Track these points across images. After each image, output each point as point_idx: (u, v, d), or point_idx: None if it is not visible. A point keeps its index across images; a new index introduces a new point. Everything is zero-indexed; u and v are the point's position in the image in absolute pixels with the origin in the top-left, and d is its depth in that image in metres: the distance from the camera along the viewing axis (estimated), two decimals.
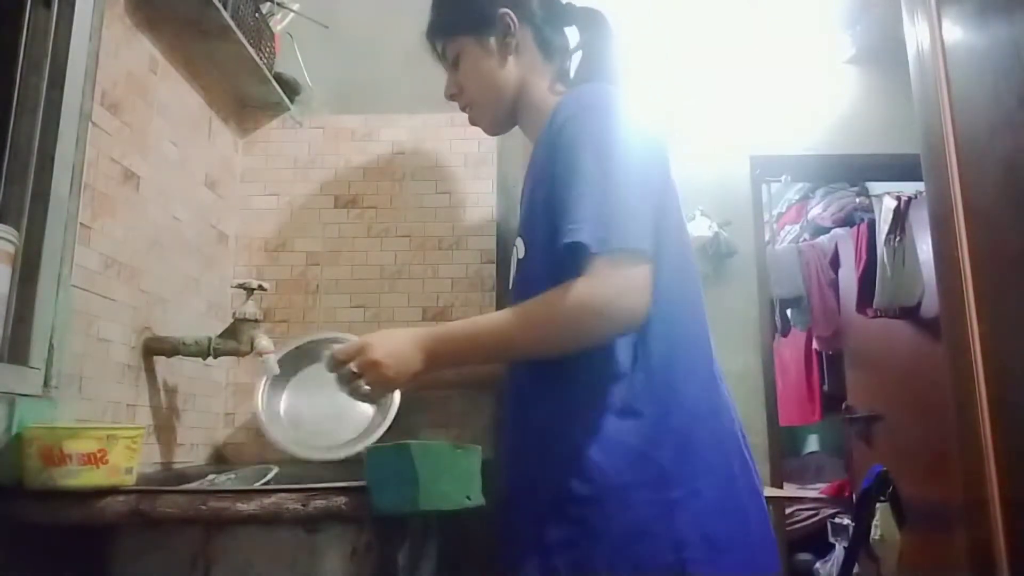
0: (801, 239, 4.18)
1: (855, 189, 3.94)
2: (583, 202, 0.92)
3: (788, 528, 3.29)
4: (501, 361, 1.15)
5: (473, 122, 1.25)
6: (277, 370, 1.37)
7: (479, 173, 1.76)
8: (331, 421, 1.43)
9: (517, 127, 1.25)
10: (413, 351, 0.98)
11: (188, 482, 1.21)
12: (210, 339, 1.32)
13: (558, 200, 0.96)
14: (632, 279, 0.92)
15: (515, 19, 1.15)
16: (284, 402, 1.48)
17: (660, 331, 0.97)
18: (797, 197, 4.28)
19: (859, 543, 2.71)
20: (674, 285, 1.01)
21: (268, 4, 1.66)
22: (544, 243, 1.00)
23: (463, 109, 1.24)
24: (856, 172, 3.08)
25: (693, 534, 0.89)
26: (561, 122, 1.00)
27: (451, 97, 1.24)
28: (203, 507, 0.87)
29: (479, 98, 1.21)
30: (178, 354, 1.33)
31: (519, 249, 1.10)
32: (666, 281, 0.98)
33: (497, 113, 1.21)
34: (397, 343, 0.98)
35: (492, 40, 1.16)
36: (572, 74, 1.23)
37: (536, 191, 1.06)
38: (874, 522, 2.68)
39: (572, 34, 1.23)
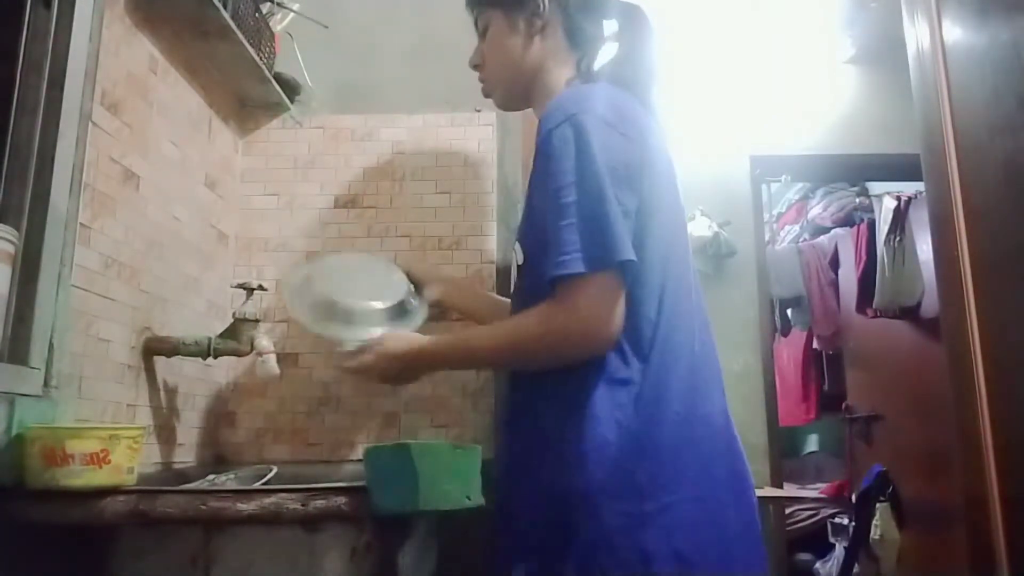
0: (801, 239, 4.18)
1: (855, 189, 3.94)
2: (560, 234, 0.93)
3: (788, 528, 3.29)
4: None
5: (486, 94, 1.26)
6: (277, 371, 1.37)
7: (479, 173, 1.76)
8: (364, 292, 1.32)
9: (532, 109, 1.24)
10: (411, 370, 1.15)
11: (188, 482, 1.21)
12: (210, 339, 1.32)
13: (547, 226, 0.97)
14: (595, 304, 0.92)
15: (546, 1, 1.15)
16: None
17: (647, 344, 0.97)
18: (797, 197, 4.27)
19: (859, 543, 2.71)
20: (662, 293, 1.00)
21: (268, 4, 1.66)
22: (538, 256, 1.00)
23: (481, 80, 1.25)
24: (856, 172, 3.08)
25: (663, 548, 0.89)
26: (547, 131, 1.00)
27: (474, 67, 1.25)
28: (203, 507, 0.87)
29: (495, 71, 1.21)
30: (178, 354, 1.33)
31: (517, 254, 1.10)
32: (652, 291, 0.98)
33: (510, 89, 1.21)
34: (401, 358, 1.12)
35: (520, 18, 1.16)
36: (599, 66, 1.20)
37: (531, 198, 1.07)
38: (874, 522, 2.68)
39: (610, 27, 1.20)
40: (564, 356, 0.97)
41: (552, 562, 0.91)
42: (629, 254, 0.92)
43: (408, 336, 1.16)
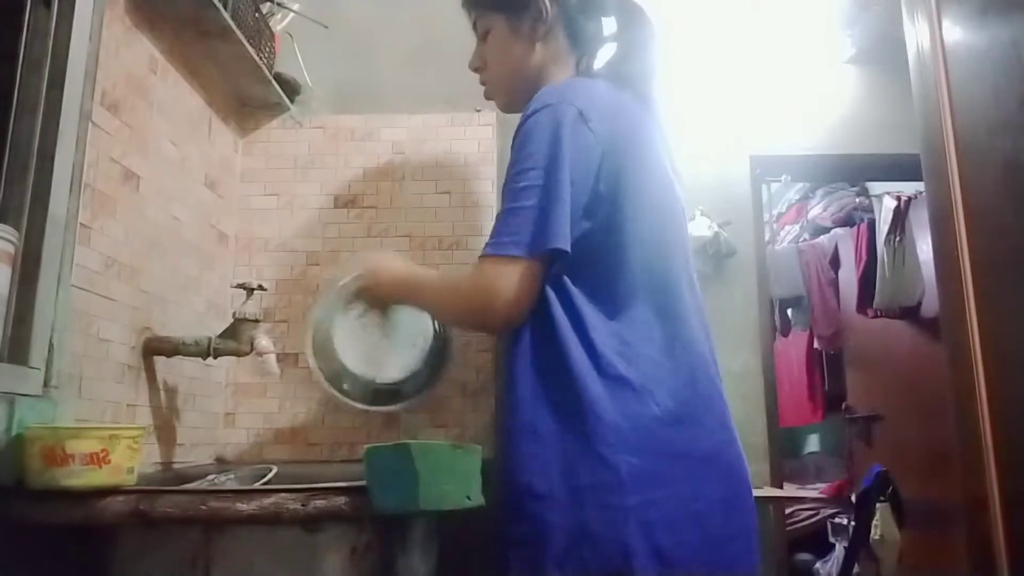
0: (801, 239, 4.18)
1: (855, 189, 3.94)
2: (506, 217, 1.01)
3: (788, 528, 3.28)
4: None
5: (488, 97, 1.25)
6: (277, 371, 1.37)
7: (479, 173, 1.76)
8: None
9: None
10: (386, 289, 1.26)
11: (188, 482, 1.21)
12: (210, 339, 1.32)
13: (502, 205, 1.05)
14: (494, 279, 0.99)
15: (548, 6, 1.14)
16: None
17: (637, 339, 0.97)
18: (797, 197, 4.27)
19: (859, 543, 2.71)
20: (652, 288, 1.00)
21: (268, 4, 1.66)
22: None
23: (482, 83, 1.24)
24: (856, 172, 3.07)
25: (643, 544, 0.88)
26: (523, 119, 1.03)
27: (475, 70, 1.24)
28: (203, 507, 0.87)
29: (498, 76, 1.21)
30: (178, 354, 1.33)
31: None
32: (639, 285, 0.99)
33: (512, 94, 1.21)
34: (381, 277, 1.26)
35: (523, 23, 1.15)
36: (599, 65, 1.20)
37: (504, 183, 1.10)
38: (874, 522, 2.67)
39: (610, 26, 1.20)
40: (464, 323, 1.28)
41: (532, 554, 0.91)
42: (562, 243, 0.96)
43: (392, 267, 1.27)
